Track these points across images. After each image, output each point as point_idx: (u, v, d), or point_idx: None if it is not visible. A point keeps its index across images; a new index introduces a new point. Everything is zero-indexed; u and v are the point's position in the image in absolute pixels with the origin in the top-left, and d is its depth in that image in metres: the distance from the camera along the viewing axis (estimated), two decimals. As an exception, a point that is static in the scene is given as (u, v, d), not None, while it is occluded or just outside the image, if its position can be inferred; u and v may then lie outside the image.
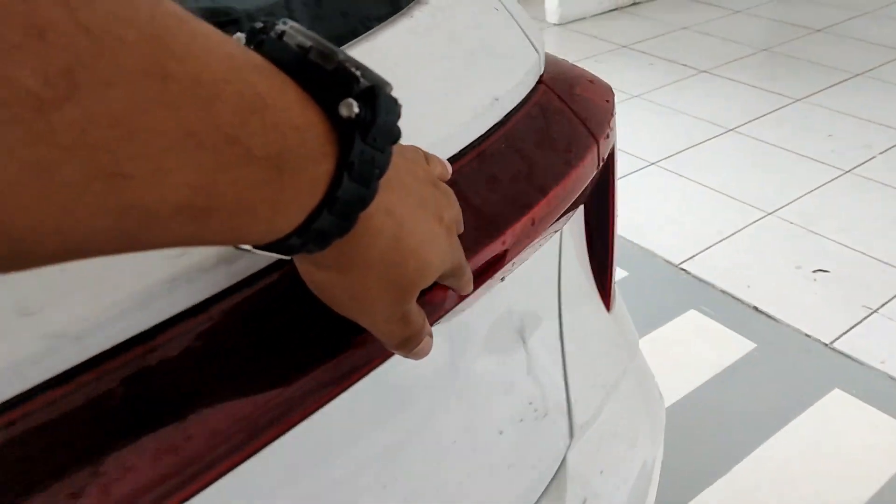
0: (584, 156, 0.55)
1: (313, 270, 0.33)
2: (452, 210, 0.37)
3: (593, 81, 0.63)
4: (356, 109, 0.27)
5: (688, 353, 1.77)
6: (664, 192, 2.38)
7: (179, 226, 0.23)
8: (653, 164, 2.53)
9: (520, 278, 0.55)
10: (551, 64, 0.62)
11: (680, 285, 1.98)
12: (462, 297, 0.43)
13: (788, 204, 2.29)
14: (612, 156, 0.63)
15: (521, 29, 0.57)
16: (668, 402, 1.66)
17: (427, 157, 0.39)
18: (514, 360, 0.57)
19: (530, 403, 0.58)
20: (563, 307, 0.62)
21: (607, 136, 0.59)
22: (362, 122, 0.27)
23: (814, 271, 2.01)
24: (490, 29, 0.54)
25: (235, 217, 0.25)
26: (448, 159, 0.46)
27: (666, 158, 2.55)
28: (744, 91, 3.08)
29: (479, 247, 0.45)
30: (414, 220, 0.33)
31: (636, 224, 2.22)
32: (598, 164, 0.57)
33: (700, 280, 2.00)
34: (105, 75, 0.20)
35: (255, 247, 0.29)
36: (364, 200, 0.29)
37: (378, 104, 0.28)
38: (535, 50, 0.58)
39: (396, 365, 0.44)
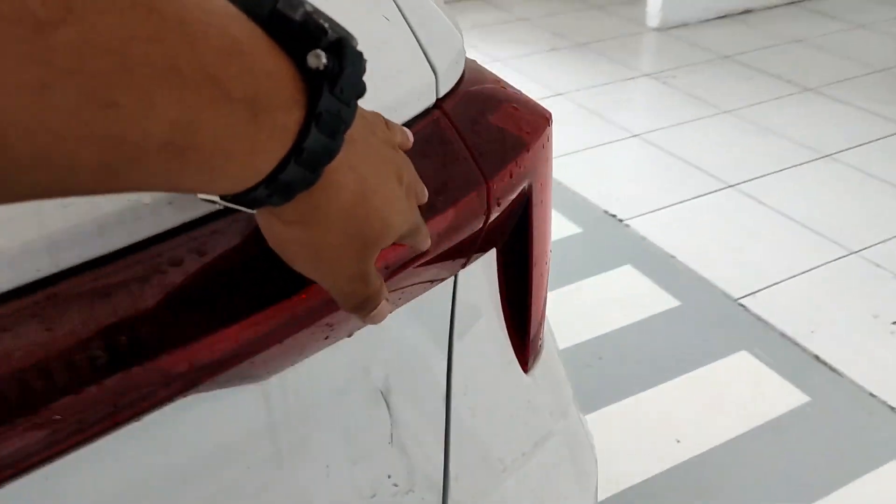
0: (459, 200, 0.46)
1: (277, 226, 0.33)
2: (411, 173, 0.38)
3: (518, 108, 0.55)
4: (324, 60, 0.28)
5: (731, 398, 1.62)
6: (737, 218, 2.20)
7: (160, 163, 0.24)
8: (730, 186, 2.35)
9: (381, 333, 0.48)
10: (472, 83, 0.54)
11: (735, 322, 1.82)
12: (422, 255, 0.44)
13: (877, 244, 2.07)
14: (528, 197, 0.54)
15: (420, 45, 0.49)
16: (702, 449, 1.53)
17: (387, 123, 0.39)
18: (372, 425, 0.49)
19: (389, 476, 0.50)
20: (454, 366, 0.54)
21: (510, 176, 0.50)
22: (330, 74, 0.28)
23: (894, 323, 1.81)
24: (364, 44, 0.47)
25: (212, 158, 0.26)
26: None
27: (746, 182, 2.37)
28: (851, 114, 2.82)
29: (284, 298, 0.38)
30: (376, 178, 0.34)
31: (698, 250, 2.06)
32: (489, 209, 0.49)
33: (758, 319, 1.83)
34: (96, 1, 0.21)
35: (222, 198, 0.30)
36: (330, 152, 0.30)
37: (345, 56, 0.29)
38: (433, 70, 0.49)
39: (195, 417, 0.38)
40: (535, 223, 0.56)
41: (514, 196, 0.52)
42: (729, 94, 2.97)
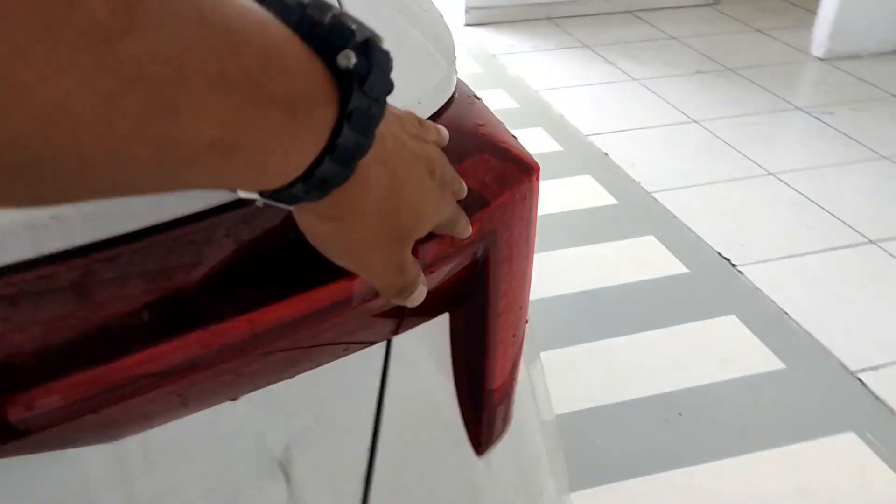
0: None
1: (314, 223, 0.35)
2: (444, 167, 0.39)
3: (492, 159, 0.47)
4: (353, 60, 0.29)
5: (827, 485, 1.44)
6: (872, 279, 1.96)
7: (210, 163, 0.26)
8: (871, 242, 2.09)
9: (282, 394, 0.42)
10: (447, 124, 0.47)
11: (847, 398, 1.62)
12: (462, 241, 0.44)
13: None
14: (486, 259, 0.46)
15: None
16: (781, 536, 1.36)
17: (420, 121, 0.40)
18: (263, 499, 0.44)
19: (282, 558, 0.45)
20: (380, 442, 0.47)
21: (451, 239, 0.43)
22: (359, 73, 0.30)
23: None
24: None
25: (256, 156, 0.27)
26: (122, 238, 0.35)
27: (892, 239, 2.10)
28: None
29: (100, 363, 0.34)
30: (406, 172, 0.35)
31: (818, 310, 1.85)
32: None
33: (876, 398, 1.61)
34: (155, 14, 0.22)
35: (262, 195, 0.31)
36: (363, 148, 0.31)
37: (373, 55, 0.30)
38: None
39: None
40: (495, 288, 0.48)
41: (464, 261, 0.45)
42: (892, 137, 2.67)
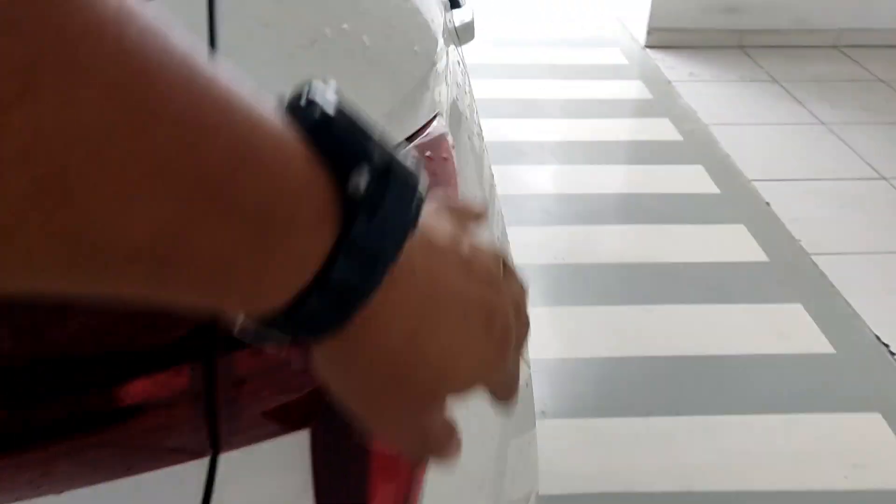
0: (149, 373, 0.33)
1: (319, 360, 0.29)
2: (508, 321, 0.31)
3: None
4: (364, 182, 0.24)
5: None
6: None
7: (139, 273, 0.21)
8: None
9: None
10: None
11: None
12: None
13: None
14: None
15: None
16: None
17: (505, 266, 0.33)
18: None
19: None
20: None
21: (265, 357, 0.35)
22: (370, 199, 0.24)
23: None
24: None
25: (204, 277, 0.22)
26: None
27: None
28: None
29: None
30: (437, 320, 0.28)
31: None
32: (216, 394, 0.35)
33: None
34: (67, 76, 0.18)
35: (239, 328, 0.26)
36: (363, 290, 0.25)
37: (392, 181, 0.25)
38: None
39: None
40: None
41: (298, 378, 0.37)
42: None
